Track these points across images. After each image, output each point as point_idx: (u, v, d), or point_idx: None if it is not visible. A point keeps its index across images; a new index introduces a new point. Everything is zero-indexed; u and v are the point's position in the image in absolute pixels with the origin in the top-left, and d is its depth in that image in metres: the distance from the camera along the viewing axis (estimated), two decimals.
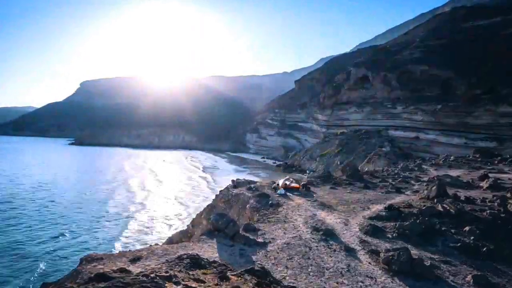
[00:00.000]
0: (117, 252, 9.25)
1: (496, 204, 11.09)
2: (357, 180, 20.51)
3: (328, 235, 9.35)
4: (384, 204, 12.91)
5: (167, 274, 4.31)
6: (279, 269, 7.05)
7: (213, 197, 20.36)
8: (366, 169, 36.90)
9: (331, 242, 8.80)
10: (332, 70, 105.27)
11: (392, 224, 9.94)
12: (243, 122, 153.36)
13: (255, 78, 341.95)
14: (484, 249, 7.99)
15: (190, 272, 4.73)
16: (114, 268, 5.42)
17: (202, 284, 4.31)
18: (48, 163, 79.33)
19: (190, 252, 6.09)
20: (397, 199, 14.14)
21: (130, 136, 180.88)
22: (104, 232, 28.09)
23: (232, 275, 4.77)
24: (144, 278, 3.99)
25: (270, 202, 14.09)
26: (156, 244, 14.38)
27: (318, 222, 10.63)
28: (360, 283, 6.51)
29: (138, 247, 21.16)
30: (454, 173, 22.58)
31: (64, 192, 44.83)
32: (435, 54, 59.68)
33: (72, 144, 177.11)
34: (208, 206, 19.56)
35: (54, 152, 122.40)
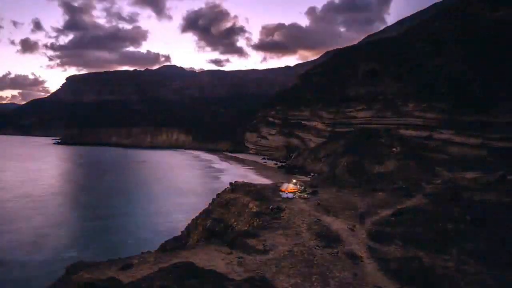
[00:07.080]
0: (107, 259, 9.24)
1: None
2: (364, 182, 20.54)
3: (333, 241, 9.37)
4: (394, 208, 12.94)
5: (160, 284, 4.31)
6: (280, 278, 7.05)
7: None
8: (375, 171, 36.88)
9: (336, 250, 8.81)
10: (339, 64, 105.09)
11: (402, 230, 9.95)
12: (242, 120, 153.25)
13: (255, 72, 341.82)
14: (503, 257, 7.98)
15: (185, 282, 4.73)
16: (103, 277, 5.43)
17: None
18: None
19: (185, 261, 6.09)
20: (408, 203, 14.16)
21: (120, 134, 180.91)
22: (94, 235, 28.06)
23: (230, 285, 4.78)
24: None
25: (271, 206, 14.14)
26: (148, 251, 14.36)
27: (323, 228, 10.65)
28: None
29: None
30: (469, 175, 22.63)
31: (46, 193, 44.80)
32: (449, 47, 59.65)
33: (57, 143, 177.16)
34: (204, 210, 19.59)
35: (38, 153, 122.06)
